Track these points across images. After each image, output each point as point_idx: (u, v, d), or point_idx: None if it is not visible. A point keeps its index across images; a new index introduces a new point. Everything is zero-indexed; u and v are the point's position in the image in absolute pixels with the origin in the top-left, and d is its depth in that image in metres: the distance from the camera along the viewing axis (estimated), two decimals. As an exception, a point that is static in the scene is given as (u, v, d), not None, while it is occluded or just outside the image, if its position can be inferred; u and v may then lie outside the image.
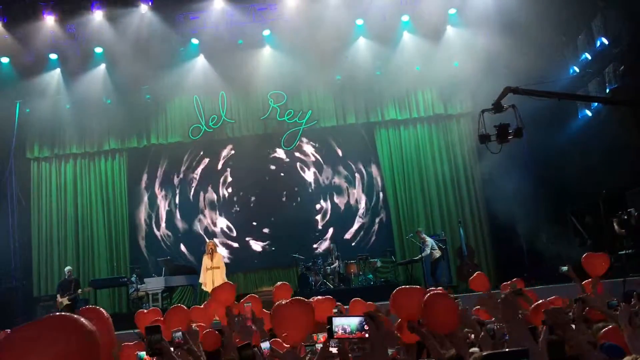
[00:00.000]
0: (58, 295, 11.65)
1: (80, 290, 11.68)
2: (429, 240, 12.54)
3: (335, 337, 2.42)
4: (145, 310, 6.80)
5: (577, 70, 11.91)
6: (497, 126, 6.45)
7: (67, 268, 12.14)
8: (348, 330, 2.38)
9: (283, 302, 3.20)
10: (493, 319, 4.16)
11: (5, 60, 13.12)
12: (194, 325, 4.50)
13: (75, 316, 1.51)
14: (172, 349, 3.79)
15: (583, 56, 11.74)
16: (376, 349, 2.22)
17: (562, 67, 12.01)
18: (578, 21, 11.72)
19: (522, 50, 10.72)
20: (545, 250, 11.99)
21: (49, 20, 12.76)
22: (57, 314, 1.53)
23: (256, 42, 13.83)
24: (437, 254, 12.43)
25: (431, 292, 3.54)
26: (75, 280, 11.92)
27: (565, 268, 6.07)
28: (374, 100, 14.51)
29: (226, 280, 11.32)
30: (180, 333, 3.83)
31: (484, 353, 1.49)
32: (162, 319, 5.23)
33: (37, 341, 1.42)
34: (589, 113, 11.76)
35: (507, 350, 1.59)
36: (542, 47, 11.30)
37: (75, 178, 14.58)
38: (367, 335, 2.33)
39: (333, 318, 2.42)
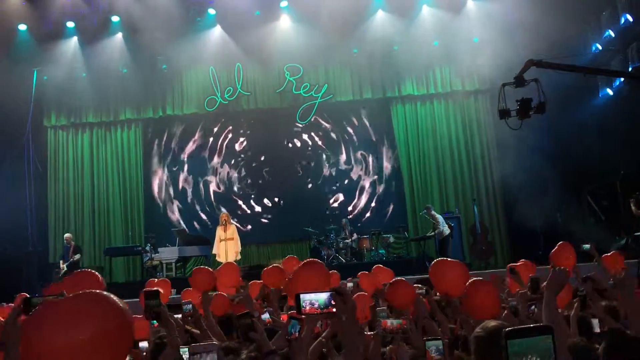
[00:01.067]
0: (61, 262, 11.83)
1: (76, 256, 11.68)
2: (439, 217, 12.48)
3: (303, 312, 2.42)
4: (155, 280, 6.89)
5: (600, 47, 11.66)
6: (518, 101, 6.29)
7: (66, 235, 12.23)
8: (316, 305, 2.39)
9: (300, 266, 3.22)
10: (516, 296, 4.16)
11: (22, 27, 13.14)
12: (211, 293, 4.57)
13: (108, 294, 1.51)
14: (180, 316, 3.89)
15: (606, 33, 11.49)
16: (344, 324, 2.23)
17: (584, 44, 11.77)
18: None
19: (544, 26, 10.48)
20: (560, 229, 11.91)
21: (67, -12, 12.79)
22: (91, 291, 1.51)
23: (273, 13, 13.72)
24: (447, 231, 12.38)
25: (474, 279, 3.55)
26: (75, 247, 11.93)
27: (587, 246, 6.03)
28: (391, 75, 14.34)
29: (239, 250, 11.48)
30: (191, 305, 3.92)
31: (507, 329, 1.49)
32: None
33: (73, 317, 1.42)
34: (609, 92, 11.56)
35: (531, 325, 1.58)
36: (564, 24, 11.04)
37: (91, 147, 14.66)
38: (334, 310, 2.34)
39: (301, 294, 2.43)
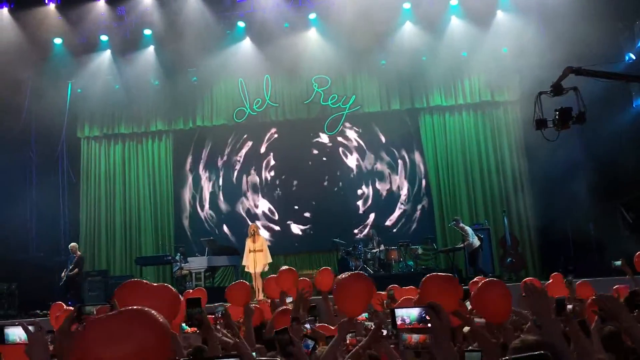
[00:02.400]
0: (64, 271, 11.75)
1: (76, 269, 11.62)
2: (468, 229, 12.33)
3: (398, 327, 2.44)
4: (190, 290, 7.05)
5: (634, 57, 11.48)
6: (557, 110, 6.10)
7: (71, 244, 12.19)
8: (407, 321, 2.40)
9: (344, 276, 3.26)
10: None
11: (58, 41, 13.50)
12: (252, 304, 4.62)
13: (150, 310, 1.60)
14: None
15: (640, 43, 11.32)
16: (440, 341, 2.21)
17: (617, 53, 11.58)
18: (636, 6, 11.27)
19: (575, 37, 10.36)
20: (593, 242, 11.69)
21: (100, 3, 13.13)
22: (133, 308, 1.61)
23: (302, 25, 13.79)
24: (477, 243, 12.24)
25: (486, 280, 3.49)
26: (79, 257, 11.86)
27: (619, 263, 5.90)
28: (419, 86, 14.30)
29: (267, 262, 11.45)
30: (223, 308, 3.94)
31: (504, 358, 1.51)
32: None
33: (115, 334, 1.52)
34: (644, 102, 11.36)
35: (527, 354, 1.62)
36: (596, 34, 10.90)
37: (123, 158, 14.95)
38: (429, 325, 2.33)
39: (396, 310, 2.45)
